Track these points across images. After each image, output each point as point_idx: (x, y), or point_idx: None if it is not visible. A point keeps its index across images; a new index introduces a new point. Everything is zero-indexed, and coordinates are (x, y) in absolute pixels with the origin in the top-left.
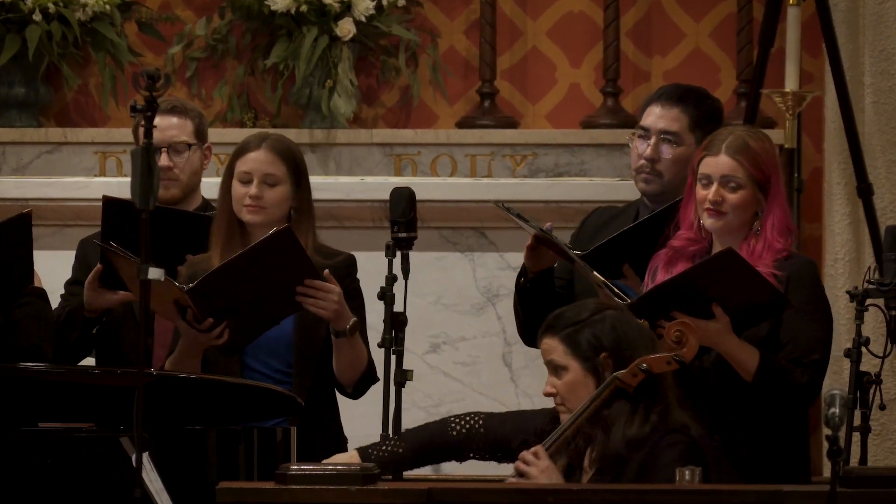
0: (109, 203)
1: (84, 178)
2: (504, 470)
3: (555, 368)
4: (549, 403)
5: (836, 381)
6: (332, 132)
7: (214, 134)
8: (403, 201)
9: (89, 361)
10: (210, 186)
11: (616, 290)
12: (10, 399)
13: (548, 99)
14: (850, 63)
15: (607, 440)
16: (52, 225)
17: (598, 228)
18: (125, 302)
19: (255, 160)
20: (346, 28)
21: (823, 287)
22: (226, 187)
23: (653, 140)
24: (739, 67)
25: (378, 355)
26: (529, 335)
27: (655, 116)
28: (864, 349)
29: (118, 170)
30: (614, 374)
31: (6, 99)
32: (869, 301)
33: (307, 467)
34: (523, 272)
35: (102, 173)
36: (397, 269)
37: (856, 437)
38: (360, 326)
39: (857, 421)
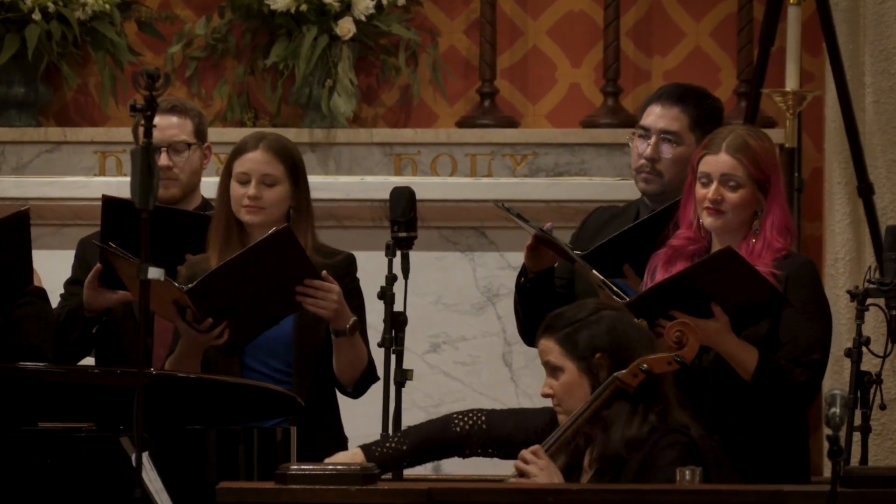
0: (109, 202)
1: (84, 177)
2: (504, 470)
3: (552, 369)
4: (550, 403)
5: (836, 380)
6: (332, 132)
7: (214, 133)
8: (403, 201)
9: (89, 361)
10: (210, 186)
11: (616, 289)
12: (10, 399)
13: (548, 98)
14: (851, 62)
15: (607, 440)
16: (52, 224)
17: (598, 228)
18: (124, 301)
19: (253, 160)
20: (345, 27)
21: (823, 286)
22: (224, 188)
23: (653, 140)
24: (740, 67)
25: (378, 355)
26: (530, 335)
27: (655, 116)
28: (864, 349)
29: (118, 169)
30: (615, 374)
31: (6, 98)
32: (869, 301)
33: (307, 467)
34: (523, 272)
35: (102, 173)
36: (397, 269)
37: (856, 436)
38: (360, 326)
39: (857, 421)
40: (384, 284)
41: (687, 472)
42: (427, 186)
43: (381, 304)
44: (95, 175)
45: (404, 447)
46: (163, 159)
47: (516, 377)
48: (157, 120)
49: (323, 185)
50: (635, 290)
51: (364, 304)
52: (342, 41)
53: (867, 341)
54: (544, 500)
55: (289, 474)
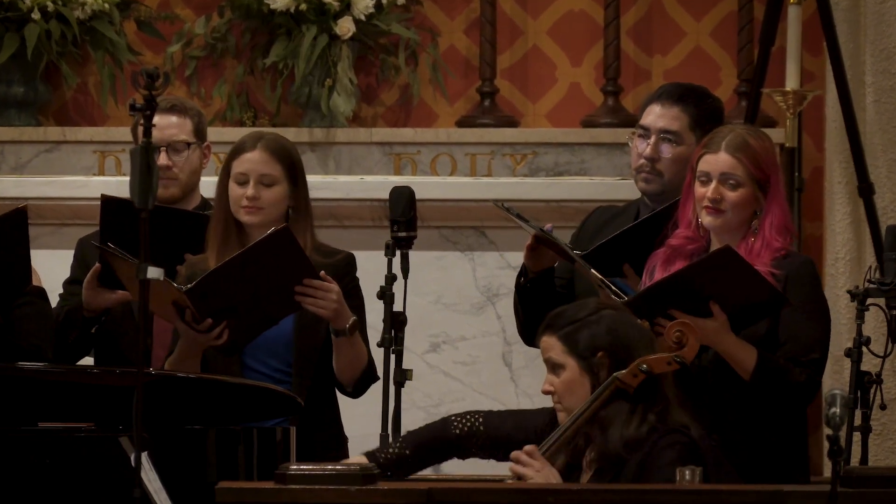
0: (108, 202)
1: (83, 177)
2: (504, 470)
3: (553, 366)
4: (550, 403)
5: (836, 380)
6: (332, 131)
7: (214, 133)
8: (403, 200)
9: (88, 361)
10: (209, 185)
11: (615, 288)
12: (9, 399)
13: (548, 98)
14: (851, 62)
15: (605, 440)
16: (51, 224)
17: (598, 228)
18: (123, 301)
19: (251, 161)
20: (345, 27)
21: (822, 286)
22: (222, 188)
23: (653, 139)
24: (740, 66)
25: (378, 355)
26: (529, 335)
27: (655, 115)
28: (864, 349)
29: (117, 169)
30: (614, 374)
31: (5, 98)
32: (870, 300)
33: (307, 467)
34: (523, 272)
35: (101, 172)
36: (397, 269)
37: (856, 436)
38: (360, 325)
39: (857, 421)
40: (384, 284)
41: (687, 472)
42: (427, 186)
43: (380, 304)
44: (95, 175)
45: (407, 452)
46: (162, 159)
47: (516, 377)
48: (156, 119)
49: (322, 184)
50: (635, 290)
51: (364, 303)
52: (342, 40)
53: (867, 341)
54: (544, 500)
55: (288, 474)
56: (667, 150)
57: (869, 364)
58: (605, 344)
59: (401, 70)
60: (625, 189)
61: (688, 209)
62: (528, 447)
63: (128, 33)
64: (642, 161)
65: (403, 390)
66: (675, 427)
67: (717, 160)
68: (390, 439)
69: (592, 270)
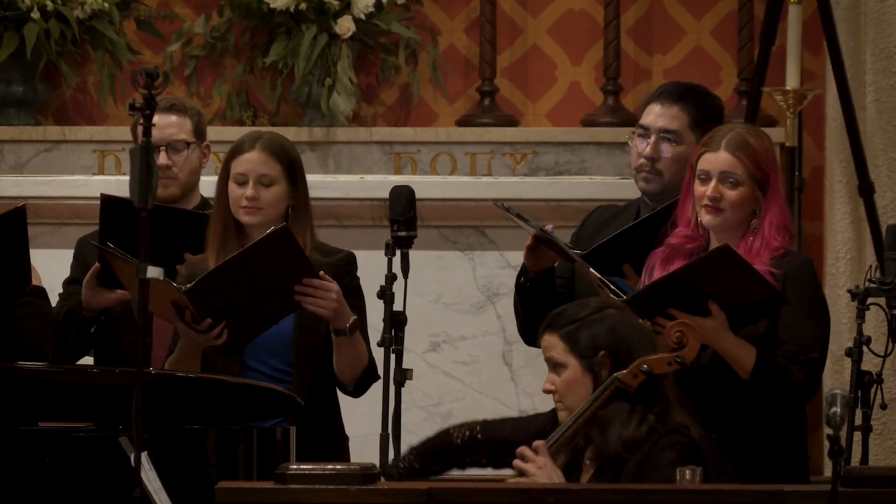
0: (108, 202)
1: (82, 176)
2: (504, 470)
3: (554, 365)
4: (550, 403)
5: (837, 380)
6: (332, 130)
7: (213, 132)
8: (403, 200)
9: (88, 361)
10: (209, 185)
11: (615, 288)
12: (9, 399)
13: (548, 97)
14: (852, 61)
15: (604, 440)
16: (51, 223)
17: (598, 227)
18: (123, 301)
19: (250, 161)
20: (345, 26)
21: (821, 285)
22: (222, 188)
23: (652, 139)
24: (740, 65)
25: (378, 354)
26: (530, 335)
27: (655, 115)
28: (865, 348)
29: (117, 168)
30: (615, 374)
31: (4, 97)
32: (870, 300)
33: (306, 467)
34: (523, 272)
35: (101, 172)
36: (397, 268)
37: (857, 436)
38: (361, 325)
39: (858, 420)
40: (384, 283)
41: (687, 472)
42: (427, 185)
43: (380, 304)
44: (94, 174)
45: (416, 465)
46: (162, 158)
47: (516, 377)
48: (156, 119)
49: (322, 183)
50: (635, 290)
51: (364, 302)
52: (342, 40)
53: (868, 341)
54: (544, 499)
55: (288, 474)
56: (667, 150)
57: (869, 364)
58: (607, 343)
59: (401, 69)
60: (625, 188)
61: (687, 208)
62: (536, 442)
63: (127, 32)
64: (642, 160)
65: (403, 390)
66: (675, 427)
67: (716, 159)
68: (390, 439)
69: (592, 270)
